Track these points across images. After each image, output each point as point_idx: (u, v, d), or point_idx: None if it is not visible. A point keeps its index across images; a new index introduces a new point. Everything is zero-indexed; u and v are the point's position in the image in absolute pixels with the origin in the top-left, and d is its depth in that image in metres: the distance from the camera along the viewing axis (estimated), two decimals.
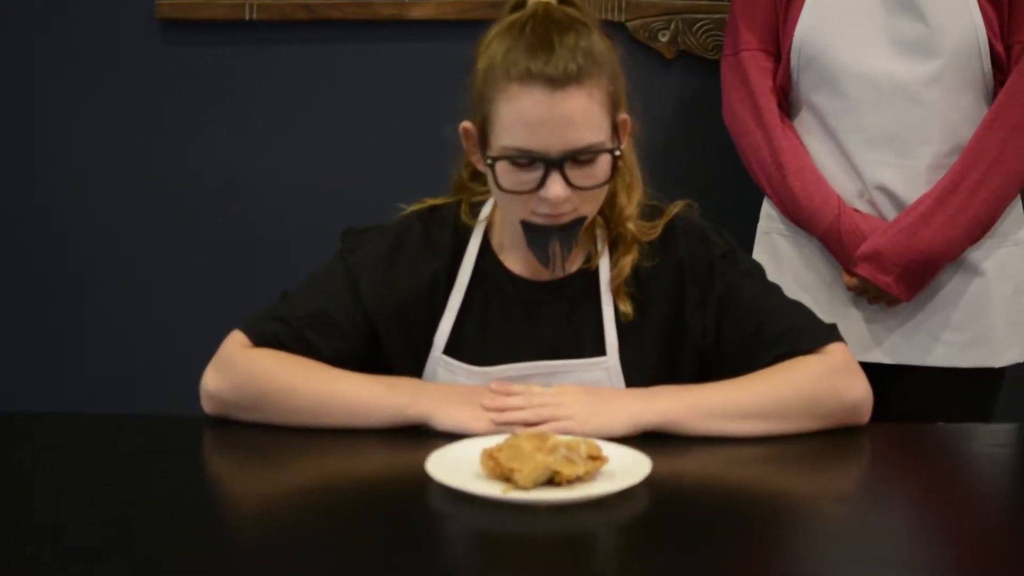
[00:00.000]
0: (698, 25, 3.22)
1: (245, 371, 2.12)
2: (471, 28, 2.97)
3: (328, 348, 2.18)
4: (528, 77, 2.03)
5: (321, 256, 2.31)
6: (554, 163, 2.04)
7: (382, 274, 2.22)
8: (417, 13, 3.23)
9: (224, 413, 2.13)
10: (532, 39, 2.07)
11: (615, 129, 2.12)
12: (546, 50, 2.05)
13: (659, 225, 2.21)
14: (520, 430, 1.91)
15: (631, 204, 2.21)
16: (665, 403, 2.04)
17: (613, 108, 2.10)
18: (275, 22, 3.25)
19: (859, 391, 2.13)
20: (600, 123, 2.07)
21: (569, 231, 2.11)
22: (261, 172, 3.35)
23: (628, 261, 2.19)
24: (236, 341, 2.17)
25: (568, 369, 2.20)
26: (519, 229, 2.13)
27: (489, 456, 1.80)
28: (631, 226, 2.19)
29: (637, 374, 2.19)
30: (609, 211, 2.21)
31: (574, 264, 2.22)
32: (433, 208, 2.29)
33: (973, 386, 2.78)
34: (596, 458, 1.82)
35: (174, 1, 3.26)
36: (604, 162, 2.08)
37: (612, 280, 2.19)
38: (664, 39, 3.22)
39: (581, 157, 2.05)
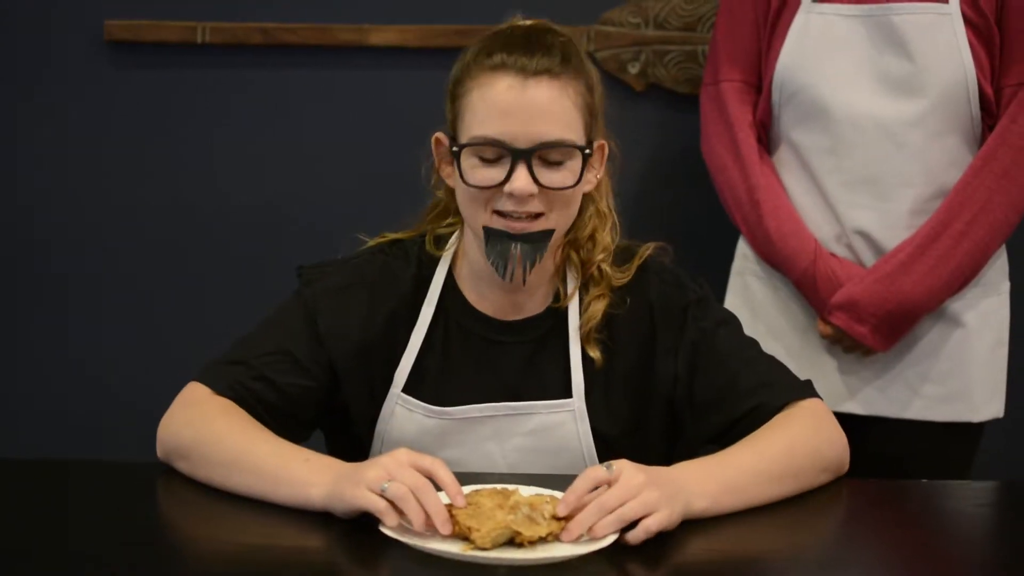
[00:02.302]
0: (669, 57, 3.17)
1: (186, 416, 2.05)
2: (434, 56, 3.07)
3: (292, 387, 2.09)
4: (501, 66, 2.00)
5: (274, 291, 2.24)
6: (521, 155, 1.98)
7: (340, 309, 2.14)
8: (377, 39, 3.18)
9: (167, 460, 2.05)
10: (511, 36, 2.05)
11: (590, 142, 2.05)
12: (523, 45, 2.02)
13: (631, 269, 2.15)
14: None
15: (605, 240, 2.15)
16: (706, 486, 1.90)
17: (589, 117, 2.05)
18: (229, 46, 3.20)
19: (844, 440, 2.09)
20: (573, 122, 2.02)
21: (534, 242, 2.04)
22: (213, 199, 3.28)
23: (600, 306, 2.12)
24: (195, 388, 2.09)
25: (532, 411, 2.12)
26: (483, 262, 2.06)
27: (449, 513, 1.73)
28: (605, 267, 2.13)
29: (603, 419, 2.12)
30: (583, 249, 2.15)
31: (542, 304, 2.15)
32: (394, 242, 2.21)
33: (950, 440, 2.71)
34: (558, 518, 1.75)
35: (123, 23, 3.20)
36: (574, 165, 2.02)
37: (582, 325, 2.12)
38: (634, 71, 3.17)
39: (550, 156, 1.99)
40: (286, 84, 3.24)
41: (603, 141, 2.10)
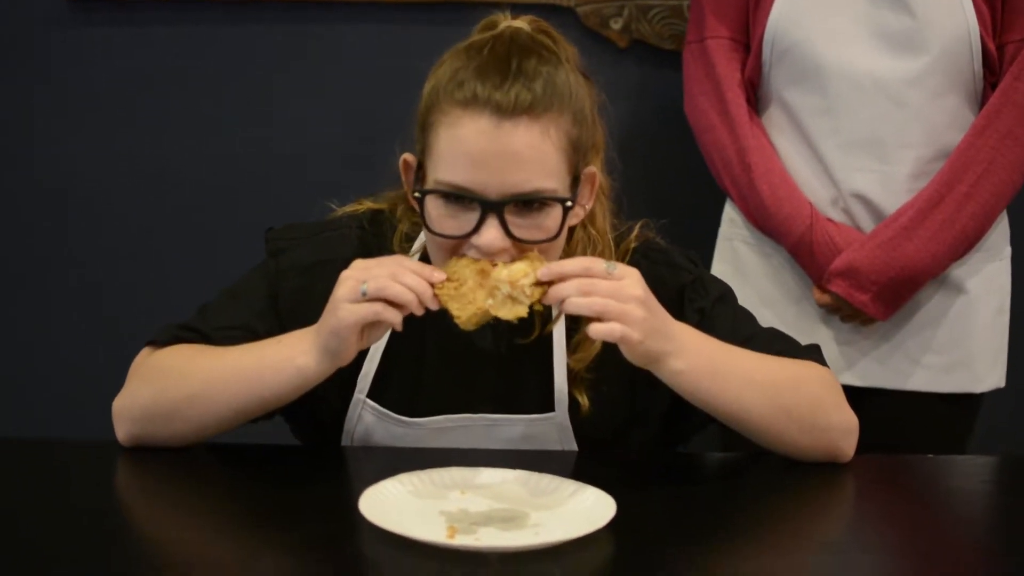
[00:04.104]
0: (653, 12, 3.10)
1: (143, 374, 1.94)
2: (403, 10, 3.02)
3: None
4: (473, 102, 1.80)
5: (242, 260, 2.13)
6: (492, 206, 1.80)
7: (305, 288, 1.99)
8: None
9: (133, 440, 1.92)
10: (487, 60, 1.84)
11: (576, 181, 1.88)
12: (499, 73, 1.82)
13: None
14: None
15: None
16: (693, 355, 1.83)
17: (575, 155, 1.86)
18: (193, 1, 3.12)
19: (853, 420, 1.98)
20: (553, 168, 1.82)
21: None
22: (180, 162, 3.21)
23: (593, 348, 1.95)
24: (147, 352, 1.98)
25: (511, 424, 2.00)
26: None
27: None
28: None
29: (591, 427, 2.00)
30: None
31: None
32: (374, 215, 2.06)
33: (950, 411, 2.66)
34: (540, 284, 1.75)
35: None
36: (554, 215, 1.83)
37: (571, 365, 1.98)
38: (616, 27, 3.10)
39: (525, 205, 1.81)
40: (252, 40, 3.16)
41: (594, 169, 1.92)
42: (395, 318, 1.73)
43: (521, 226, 1.81)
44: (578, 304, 1.72)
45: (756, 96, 2.67)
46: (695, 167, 2.77)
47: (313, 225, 2.07)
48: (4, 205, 3.23)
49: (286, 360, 1.82)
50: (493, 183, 1.79)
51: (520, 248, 1.82)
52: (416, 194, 1.86)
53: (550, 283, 1.73)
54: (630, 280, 1.75)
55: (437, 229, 1.84)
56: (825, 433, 1.94)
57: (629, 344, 1.74)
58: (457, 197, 1.81)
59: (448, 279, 1.75)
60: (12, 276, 3.25)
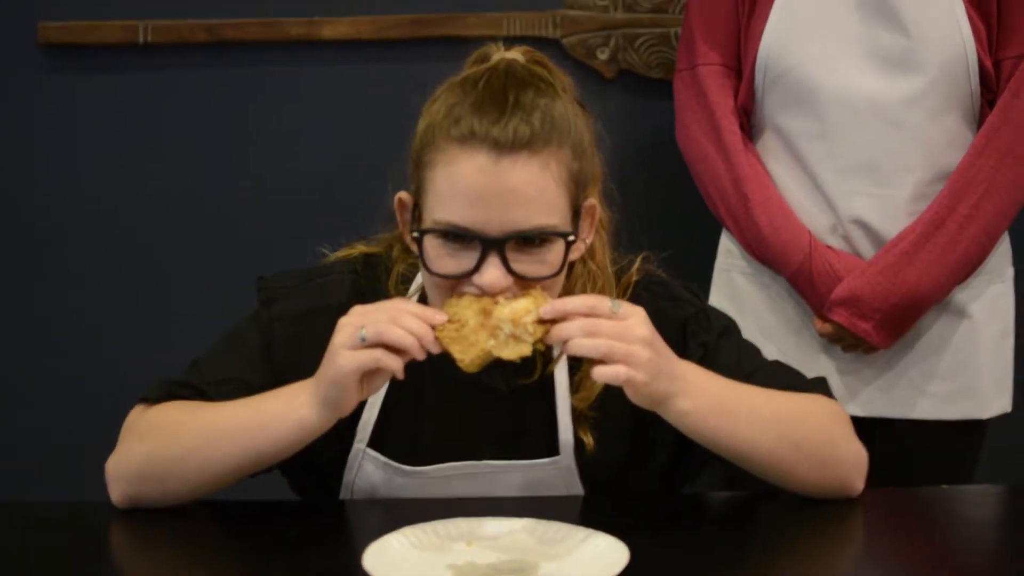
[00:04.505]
0: (640, 41, 3.09)
1: (137, 432, 1.89)
2: (389, 48, 3.00)
3: None
4: (470, 138, 1.76)
5: (230, 303, 2.12)
6: (493, 244, 1.76)
7: (299, 338, 1.95)
8: (330, 33, 3.09)
9: (128, 501, 1.87)
10: (483, 95, 1.80)
11: (576, 214, 1.84)
12: (496, 108, 1.77)
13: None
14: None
15: None
16: (698, 395, 1.80)
17: (575, 188, 1.82)
18: (172, 45, 3.11)
19: (862, 453, 1.94)
20: (554, 202, 1.78)
21: None
22: (160, 210, 3.18)
23: (597, 387, 1.91)
24: (140, 410, 1.93)
25: (515, 470, 1.95)
26: None
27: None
28: None
29: (597, 468, 1.95)
30: None
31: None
32: (367, 258, 2.02)
33: (956, 438, 2.63)
34: (543, 322, 1.72)
35: (58, 24, 3.10)
36: (556, 250, 1.79)
37: (574, 405, 1.94)
38: (603, 56, 3.10)
39: (527, 242, 1.77)
40: (235, 84, 3.14)
41: (594, 202, 1.89)
42: (396, 365, 1.69)
43: (523, 262, 1.77)
44: (582, 345, 1.69)
45: (750, 123, 2.65)
46: (688, 198, 2.74)
47: (305, 272, 2.03)
48: None
49: (285, 413, 1.78)
50: (493, 221, 1.75)
51: (522, 284, 1.78)
52: (414, 234, 1.82)
53: (553, 321, 1.70)
54: (635, 320, 1.71)
55: (437, 269, 1.79)
56: (835, 467, 1.90)
57: (634, 387, 1.70)
58: (457, 236, 1.77)
59: (449, 320, 1.72)
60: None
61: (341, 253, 2.04)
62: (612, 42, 3.07)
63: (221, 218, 3.16)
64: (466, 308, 1.71)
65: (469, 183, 1.75)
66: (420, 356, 1.69)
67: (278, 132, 3.14)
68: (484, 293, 1.76)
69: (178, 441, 1.84)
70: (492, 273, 1.75)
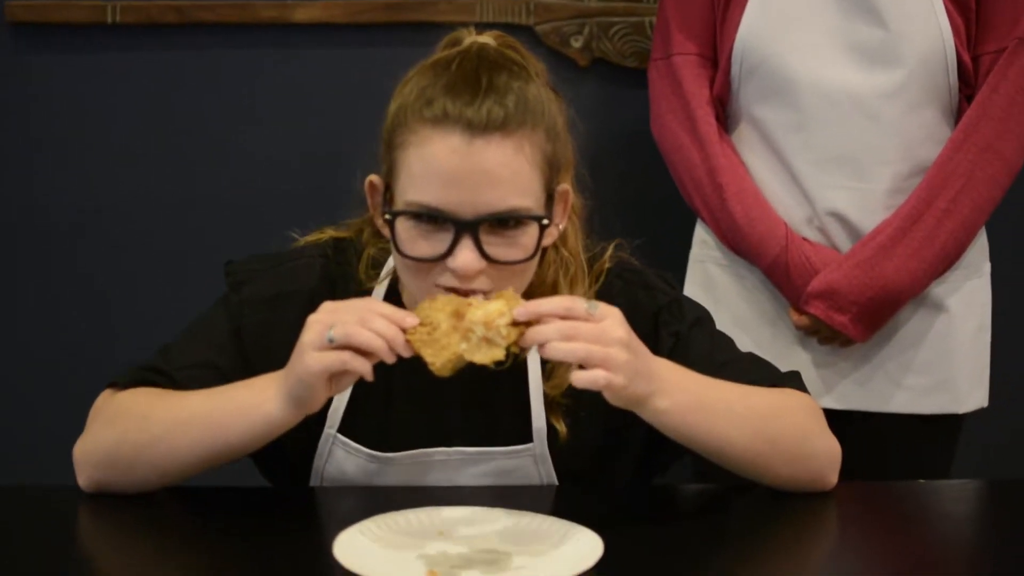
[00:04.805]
0: (614, 29, 3.07)
1: (105, 417, 1.86)
2: (361, 32, 2.99)
3: None
4: (443, 119, 1.75)
5: (198, 290, 2.10)
6: (466, 227, 1.74)
7: (268, 323, 1.93)
8: (302, 16, 3.06)
9: (95, 486, 1.85)
10: (456, 77, 1.79)
11: (550, 199, 1.83)
12: (469, 89, 1.76)
13: (592, 293, 1.95)
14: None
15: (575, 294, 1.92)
16: (676, 393, 1.77)
17: (549, 171, 1.81)
18: (141, 25, 3.07)
19: (836, 448, 1.93)
20: (528, 185, 1.77)
21: None
22: (128, 192, 3.15)
23: (568, 374, 1.86)
24: (108, 396, 1.90)
25: (487, 457, 1.93)
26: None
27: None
28: None
29: (569, 457, 1.94)
30: None
31: None
32: (337, 243, 2.00)
33: (933, 433, 2.63)
34: (517, 324, 1.67)
35: (26, 3, 3.06)
36: (530, 233, 1.78)
37: (547, 392, 1.93)
38: (577, 44, 3.07)
39: (500, 224, 1.76)
40: (204, 66, 3.11)
41: (567, 187, 1.87)
42: (363, 367, 1.65)
43: (496, 245, 1.76)
44: (559, 350, 1.65)
45: (725, 113, 2.63)
46: (663, 187, 2.73)
47: (274, 256, 2.01)
48: None
49: (252, 407, 1.75)
50: (466, 202, 1.73)
51: (495, 269, 1.76)
52: (386, 216, 1.80)
53: (527, 323, 1.66)
54: (612, 321, 1.68)
55: (409, 252, 1.78)
56: (809, 461, 1.89)
57: (613, 390, 1.68)
58: (429, 218, 1.76)
59: (420, 323, 1.68)
60: None
61: (311, 238, 2.02)
62: (586, 30, 3.06)
63: (188, 202, 3.14)
64: (438, 311, 1.68)
65: (442, 164, 1.74)
66: (390, 359, 1.65)
67: (248, 115, 3.12)
68: (458, 277, 1.75)
69: (146, 428, 1.81)
70: (465, 256, 1.74)
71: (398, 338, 1.65)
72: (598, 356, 1.65)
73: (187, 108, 3.12)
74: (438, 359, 1.64)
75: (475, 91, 1.75)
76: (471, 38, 1.87)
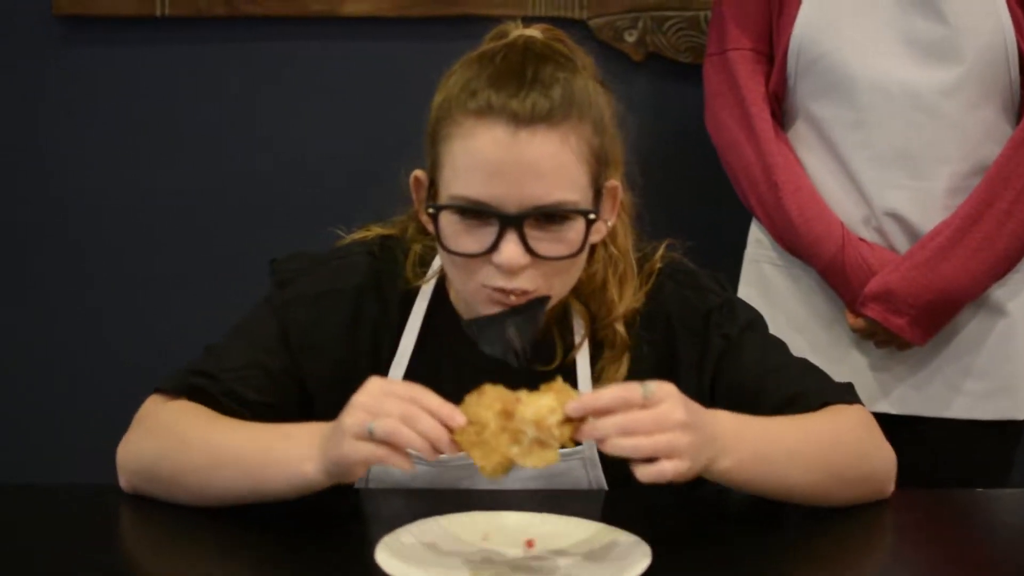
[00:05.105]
0: (669, 24, 3.04)
1: (149, 428, 1.84)
2: (410, 26, 2.98)
3: (264, 404, 1.88)
4: (488, 111, 1.72)
5: (245, 286, 2.05)
6: (511, 221, 1.71)
7: (316, 320, 1.91)
8: (351, 9, 3.04)
9: (133, 489, 1.84)
10: (501, 68, 1.76)
11: (598, 194, 1.80)
12: (514, 81, 1.74)
13: (642, 294, 1.92)
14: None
15: (623, 301, 1.89)
16: (736, 449, 1.70)
17: (596, 165, 1.78)
18: (189, 19, 3.06)
19: (893, 457, 1.89)
20: (575, 178, 1.75)
21: (527, 313, 1.78)
22: (174, 186, 3.15)
23: (618, 376, 1.86)
24: (156, 402, 1.88)
25: None
26: (478, 296, 1.80)
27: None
28: (621, 329, 1.89)
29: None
30: (595, 307, 1.90)
31: (543, 330, 1.89)
32: (383, 240, 1.97)
33: (993, 440, 2.58)
34: (570, 420, 1.59)
35: None
36: (577, 229, 1.75)
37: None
38: (631, 39, 3.05)
39: (547, 219, 1.73)
40: (252, 60, 3.10)
41: (616, 183, 1.84)
42: (403, 464, 1.59)
43: (542, 240, 1.73)
44: (622, 447, 1.57)
45: (781, 110, 2.60)
46: (717, 185, 2.70)
47: (320, 254, 1.99)
48: None
49: (290, 463, 1.69)
50: (511, 196, 1.71)
51: (541, 266, 1.74)
52: (430, 210, 1.77)
53: (581, 419, 1.59)
54: (670, 403, 1.60)
55: (453, 247, 1.75)
56: (870, 482, 1.86)
57: (680, 477, 1.61)
58: (474, 212, 1.73)
59: (468, 422, 1.61)
60: (5, 299, 3.20)
61: (357, 235, 2.00)
62: (640, 24, 3.03)
63: (236, 197, 3.13)
64: (486, 408, 1.61)
65: (486, 157, 1.71)
66: (431, 459, 1.59)
67: (296, 109, 3.11)
68: (503, 273, 1.72)
69: (186, 457, 1.78)
70: (510, 250, 1.71)
71: (443, 439, 1.58)
72: (664, 448, 1.58)
73: (235, 102, 3.11)
74: (488, 462, 1.58)
75: (520, 82, 1.73)
76: (518, 31, 1.84)
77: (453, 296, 1.91)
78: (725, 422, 1.71)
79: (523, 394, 1.61)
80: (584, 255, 1.80)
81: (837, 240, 2.49)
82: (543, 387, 1.62)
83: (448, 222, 1.75)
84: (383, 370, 1.89)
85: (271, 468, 1.70)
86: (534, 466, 1.57)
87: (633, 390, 1.59)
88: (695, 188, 2.97)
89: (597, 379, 1.88)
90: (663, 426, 1.57)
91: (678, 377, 1.87)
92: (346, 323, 1.91)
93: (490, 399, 1.61)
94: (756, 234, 2.66)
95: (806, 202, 2.52)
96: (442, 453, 1.58)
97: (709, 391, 1.90)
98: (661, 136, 3.02)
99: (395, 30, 3.02)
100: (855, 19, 2.47)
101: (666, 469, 1.57)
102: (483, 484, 1.87)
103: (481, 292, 1.76)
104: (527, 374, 1.86)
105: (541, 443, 1.57)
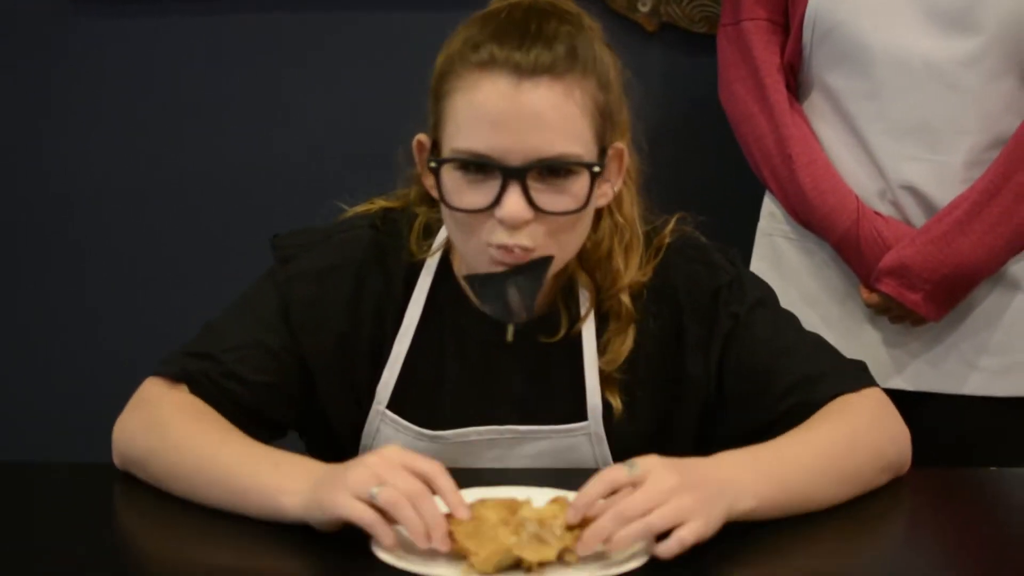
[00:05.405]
0: None
1: (145, 416, 1.82)
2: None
3: (264, 384, 1.86)
4: (490, 63, 1.70)
5: (251, 263, 2.02)
6: (514, 173, 1.69)
7: (318, 297, 1.89)
8: None
9: (124, 468, 1.83)
10: (504, 23, 1.74)
11: (603, 153, 1.77)
12: (518, 34, 1.72)
13: (649, 268, 1.90)
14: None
15: (629, 271, 1.87)
16: (754, 484, 1.67)
17: (601, 122, 1.76)
18: None
19: (907, 435, 1.87)
20: (579, 132, 1.73)
21: (529, 273, 1.75)
22: (185, 160, 3.14)
23: (623, 348, 1.85)
24: (155, 385, 1.86)
25: (540, 436, 1.88)
26: (481, 256, 1.78)
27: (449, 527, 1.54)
28: (626, 300, 1.86)
29: (625, 436, 1.88)
30: (601, 277, 1.88)
31: (546, 303, 1.88)
32: (387, 212, 1.95)
33: (1009, 416, 2.54)
34: (573, 527, 1.55)
35: None
36: (581, 183, 1.73)
37: (602, 367, 1.87)
38: (644, 9, 3.02)
39: (551, 175, 1.71)
40: (266, 32, 3.09)
41: (621, 146, 1.82)
42: (386, 538, 1.53)
43: (545, 194, 1.71)
44: (627, 537, 1.53)
45: (796, 81, 2.57)
46: (731, 157, 2.67)
47: (322, 228, 1.97)
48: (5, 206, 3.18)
49: (272, 494, 1.64)
50: (514, 148, 1.69)
51: (545, 223, 1.71)
52: (432, 165, 1.75)
53: (582, 525, 1.54)
54: (657, 474, 1.56)
55: (455, 203, 1.73)
56: (886, 472, 1.83)
57: (706, 534, 1.57)
58: (476, 167, 1.71)
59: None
60: (18, 272, 3.20)
61: (360, 208, 1.97)
62: None
63: (246, 174, 3.12)
64: (489, 509, 1.58)
65: (489, 108, 1.70)
66: (422, 545, 1.53)
67: (308, 81, 3.10)
68: (507, 227, 1.70)
69: (175, 460, 1.75)
70: (513, 203, 1.69)
71: (440, 529, 1.52)
72: (671, 517, 1.54)
73: (244, 76, 3.10)
74: (483, 549, 1.52)
75: (523, 36, 1.71)
76: None
77: (457, 268, 1.89)
78: (733, 463, 1.68)
79: (526, 504, 1.59)
80: (589, 215, 1.78)
81: (852, 213, 2.46)
82: (550, 501, 1.60)
83: (450, 178, 1.73)
84: (387, 345, 1.88)
85: (252, 493, 1.66)
86: (531, 559, 1.51)
87: (617, 472, 1.56)
88: (709, 160, 2.94)
89: (603, 352, 1.87)
90: (659, 498, 1.54)
91: (684, 354, 1.88)
92: (349, 298, 1.89)
93: (494, 501, 1.59)
94: (769, 207, 2.63)
95: (820, 175, 2.49)
96: (434, 543, 1.52)
97: (717, 370, 1.88)
98: (675, 107, 3.01)
99: (405, 1, 3.00)
100: None
101: (684, 536, 1.53)
102: (487, 460, 1.88)
103: (484, 252, 1.74)
104: (532, 344, 1.86)
105: (541, 539, 1.53)
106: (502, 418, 1.88)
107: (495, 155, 1.69)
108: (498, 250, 1.72)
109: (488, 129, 1.69)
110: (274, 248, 1.95)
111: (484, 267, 1.76)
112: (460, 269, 1.89)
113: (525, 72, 1.69)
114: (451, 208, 1.73)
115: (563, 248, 1.77)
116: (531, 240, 1.71)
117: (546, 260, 1.74)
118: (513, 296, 1.75)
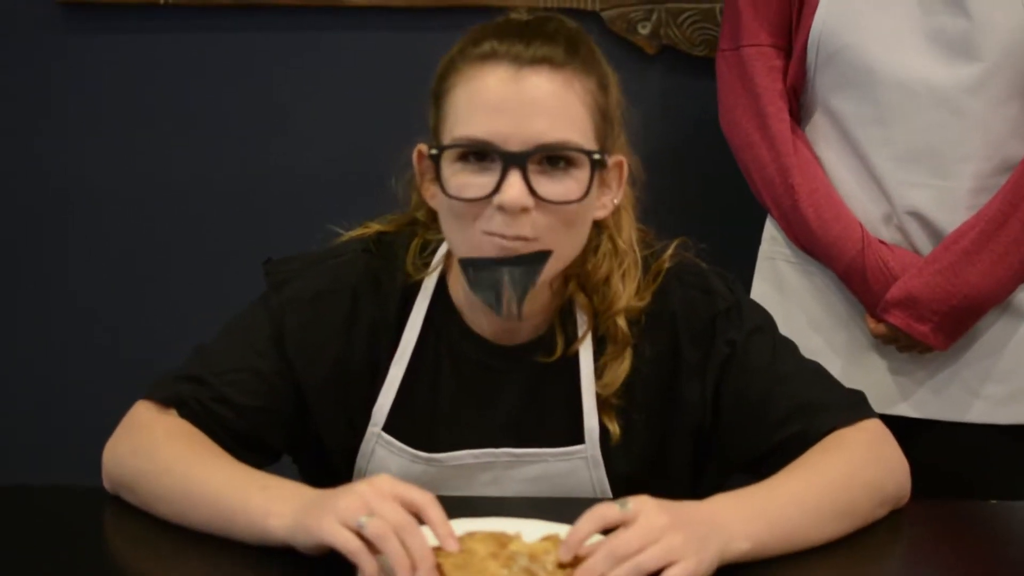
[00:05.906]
0: (684, 16, 2.99)
1: (134, 442, 1.82)
2: (422, 17, 2.93)
3: (256, 409, 1.85)
4: (491, 56, 1.73)
5: (244, 283, 2.03)
6: (514, 159, 1.69)
7: (311, 323, 1.88)
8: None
9: (114, 491, 1.83)
10: (506, 24, 1.78)
11: (603, 150, 1.77)
12: (519, 32, 1.75)
13: (648, 293, 1.89)
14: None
15: (626, 295, 1.86)
16: (748, 526, 1.65)
17: (602, 120, 1.77)
18: (194, 7, 3.03)
19: (906, 468, 1.85)
20: (579, 122, 1.74)
21: (525, 264, 1.74)
22: (178, 176, 3.12)
23: (620, 373, 1.85)
24: (145, 409, 1.86)
25: (537, 459, 1.87)
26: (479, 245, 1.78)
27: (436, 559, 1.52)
28: (622, 323, 1.85)
29: (621, 461, 1.88)
30: (598, 300, 1.87)
31: (543, 325, 1.89)
32: (381, 236, 1.94)
33: (1013, 446, 2.52)
34: (565, 566, 1.53)
35: None
36: (582, 175, 1.73)
37: (599, 391, 1.86)
38: (644, 31, 3.00)
39: (551, 163, 1.72)
40: (258, 49, 3.07)
41: (621, 158, 1.82)
42: (369, 569, 1.51)
43: (545, 183, 1.71)
44: (623, 574, 1.52)
45: (799, 104, 2.55)
46: (732, 180, 2.65)
47: (315, 253, 1.96)
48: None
49: (259, 516, 1.63)
50: (515, 134, 1.70)
51: (544, 213, 1.71)
52: (432, 152, 1.75)
53: (573, 564, 1.53)
54: (648, 512, 1.56)
55: (455, 192, 1.73)
56: (884, 506, 1.81)
57: (698, 575, 1.56)
58: (477, 155, 1.71)
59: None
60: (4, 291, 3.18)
61: (355, 233, 1.97)
62: (654, 17, 2.99)
63: (238, 190, 3.10)
64: (479, 542, 1.56)
65: (489, 95, 1.72)
66: None
67: (301, 99, 3.09)
68: (507, 215, 1.70)
69: (164, 485, 1.74)
70: (513, 189, 1.69)
71: (428, 563, 1.50)
72: (662, 555, 1.53)
73: (238, 93, 3.09)
74: None
75: (524, 33, 1.74)
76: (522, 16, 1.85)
77: (453, 290, 1.89)
78: (726, 505, 1.66)
79: (516, 538, 1.57)
80: (589, 214, 1.79)
81: (856, 243, 2.44)
82: (541, 538, 1.58)
83: (451, 169, 1.73)
84: (383, 367, 1.87)
85: (240, 515, 1.66)
86: None
87: (608, 509, 1.55)
88: (710, 183, 2.93)
89: (599, 376, 1.86)
90: (650, 537, 1.53)
91: (680, 380, 1.88)
92: (343, 321, 1.88)
93: (483, 534, 1.57)
94: (771, 231, 2.61)
95: (823, 204, 2.47)
96: None
97: (713, 396, 1.87)
98: (675, 130, 3.00)
99: (403, 21, 2.98)
100: (878, 12, 2.40)
101: (675, 574, 1.52)
102: (482, 483, 1.88)
103: (481, 241, 1.73)
104: (529, 367, 1.87)
105: (531, 575, 1.52)
106: (498, 441, 1.87)
107: (496, 141, 1.70)
108: (495, 238, 1.72)
109: (488, 115, 1.70)
110: (267, 274, 1.94)
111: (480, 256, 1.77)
112: (457, 290, 1.88)
113: (525, 61, 1.71)
114: (451, 197, 1.73)
115: (562, 246, 1.75)
116: (531, 230, 1.71)
117: (544, 254, 1.74)
118: (506, 284, 1.74)
